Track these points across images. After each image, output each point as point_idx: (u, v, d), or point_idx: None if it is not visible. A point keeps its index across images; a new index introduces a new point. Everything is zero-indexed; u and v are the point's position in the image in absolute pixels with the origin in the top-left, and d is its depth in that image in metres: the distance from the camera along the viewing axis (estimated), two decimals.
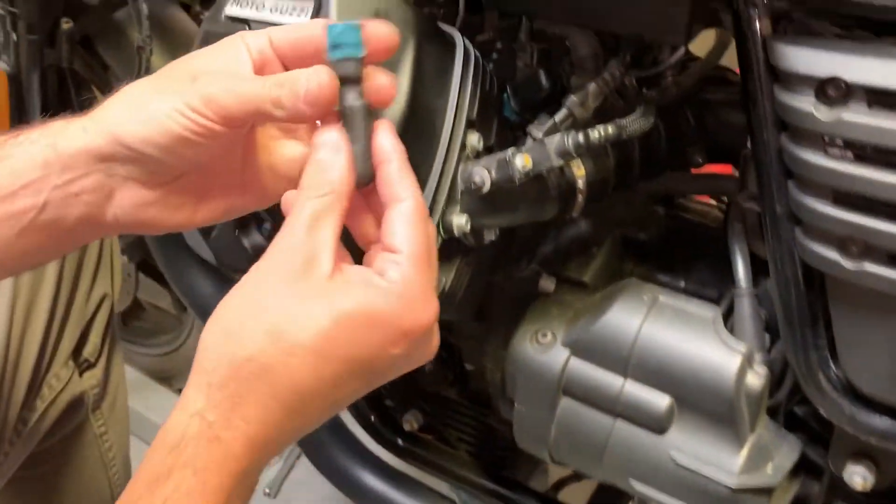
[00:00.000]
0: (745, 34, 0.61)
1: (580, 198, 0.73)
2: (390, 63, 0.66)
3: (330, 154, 0.43)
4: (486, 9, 0.79)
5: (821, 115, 0.56)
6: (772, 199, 0.64)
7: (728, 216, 0.77)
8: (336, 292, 0.40)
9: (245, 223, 0.66)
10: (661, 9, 0.69)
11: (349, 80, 0.45)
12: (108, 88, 1.27)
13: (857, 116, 0.55)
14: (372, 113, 0.46)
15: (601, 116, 0.73)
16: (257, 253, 0.69)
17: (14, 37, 1.19)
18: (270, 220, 0.66)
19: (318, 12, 0.62)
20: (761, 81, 0.61)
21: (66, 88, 1.34)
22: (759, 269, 0.76)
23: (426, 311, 0.42)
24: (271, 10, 0.63)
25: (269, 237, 0.68)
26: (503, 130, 0.74)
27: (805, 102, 0.57)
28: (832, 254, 0.60)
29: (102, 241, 0.87)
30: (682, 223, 0.89)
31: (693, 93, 0.80)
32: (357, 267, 0.43)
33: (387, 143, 0.45)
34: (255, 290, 0.41)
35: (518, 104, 0.75)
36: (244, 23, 0.66)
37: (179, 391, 1.63)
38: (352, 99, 0.45)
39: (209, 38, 0.71)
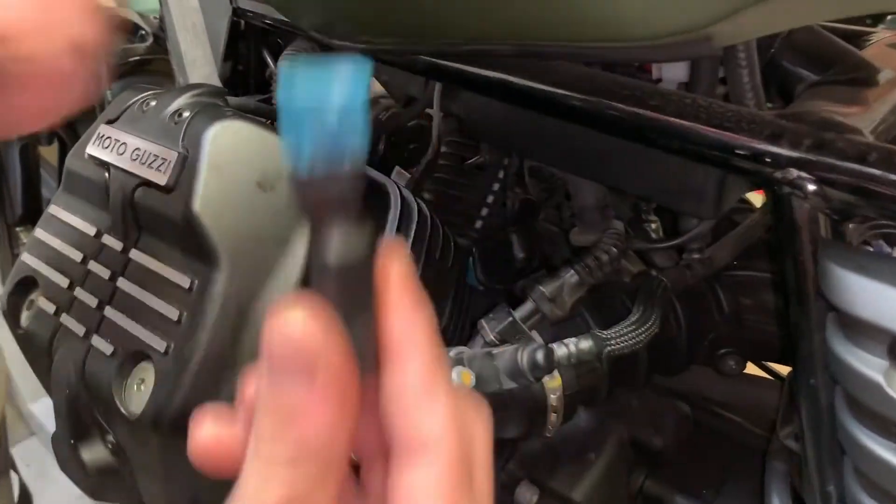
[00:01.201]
0: (787, 233, 0.41)
1: (553, 416, 0.53)
2: (283, 239, 0.50)
3: (306, 389, 0.20)
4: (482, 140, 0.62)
5: (895, 392, 0.35)
6: (820, 476, 0.43)
7: (769, 450, 0.56)
8: None
9: (84, 430, 0.50)
10: (684, 177, 0.50)
11: (332, 205, 0.20)
12: None
13: None
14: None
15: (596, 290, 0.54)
16: (100, 474, 0.52)
17: None
18: (112, 434, 0.49)
19: (182, 168, 0.46)
20: (809, 306, 0.41)
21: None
22: None
23: None
24: (132, 158, 0.48)
25: (115, 452, 0.51)
26: (463, 303, 0.55)
27: (870, 365, 0.36)
28: None
29: None
30: (715, 426, 0.68)
31: (726, 268, 0.59)
32: None
33: (409, 324, 0.22)
34: None
35: (484, 273, 0.57)
36: (105, 166, 0.50)
37: None
38: (337, 248, 0.20)
39: (71, 177, 0.56)
